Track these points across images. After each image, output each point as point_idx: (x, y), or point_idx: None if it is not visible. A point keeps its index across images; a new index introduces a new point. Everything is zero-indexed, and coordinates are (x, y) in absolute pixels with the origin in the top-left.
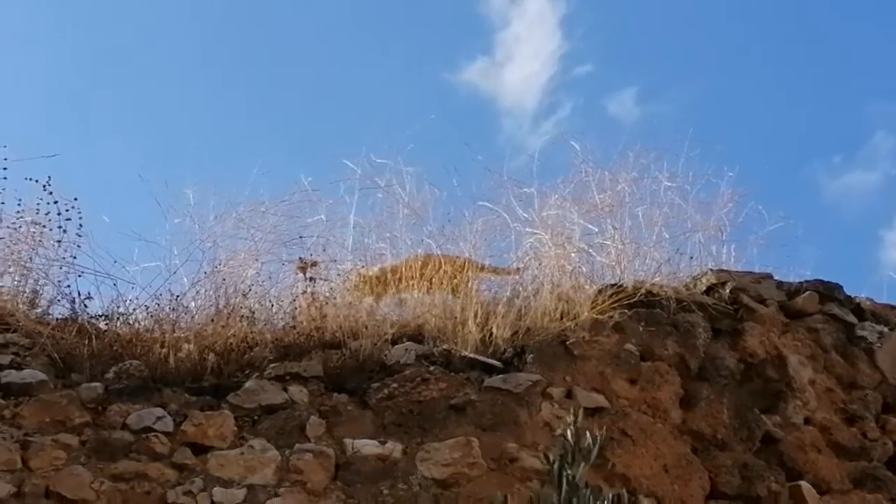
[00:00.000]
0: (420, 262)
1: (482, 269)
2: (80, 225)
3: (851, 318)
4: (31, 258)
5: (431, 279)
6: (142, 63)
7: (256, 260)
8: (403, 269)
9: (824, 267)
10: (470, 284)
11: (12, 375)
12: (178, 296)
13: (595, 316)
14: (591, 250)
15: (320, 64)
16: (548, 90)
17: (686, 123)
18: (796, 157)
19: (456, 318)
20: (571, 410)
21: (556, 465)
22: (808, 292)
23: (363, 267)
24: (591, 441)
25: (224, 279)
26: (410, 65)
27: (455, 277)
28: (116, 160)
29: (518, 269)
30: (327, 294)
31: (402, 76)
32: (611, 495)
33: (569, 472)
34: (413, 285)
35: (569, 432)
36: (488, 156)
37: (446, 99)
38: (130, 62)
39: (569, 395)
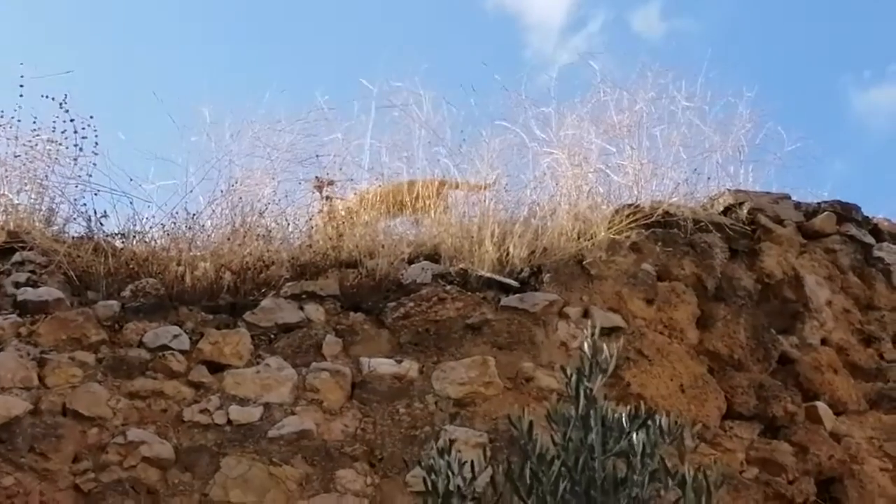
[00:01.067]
0: (405, 187)
1: (457, 186)
2: (96, 143)
3: (869, 239)
4: (46, 176)
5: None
6: None
7: (273, 178)
8: (390, 195)
9: (850, 183)
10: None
11: (28, 293)
12: (194, 214)
13: (612, 236)
14: (608, 170)
15: None
16: (575, 4)
17: (712, 40)
18: (826, 71)
19: (472, 237)
20: (588, 328)
21: (573, 379)
22: (825, 213)
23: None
24: (608, 355)
25: (240, 198)
26: None
27: (437, 196)
28: (132, 77)
29: (488, 184)
30: (343, 212)
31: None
32: (627, 408)
33: (587, 385)
34: (400, 210)
35: (586, 346)
36: (513, 72)
37: (472, 14)
38: None
39: (585, 314)
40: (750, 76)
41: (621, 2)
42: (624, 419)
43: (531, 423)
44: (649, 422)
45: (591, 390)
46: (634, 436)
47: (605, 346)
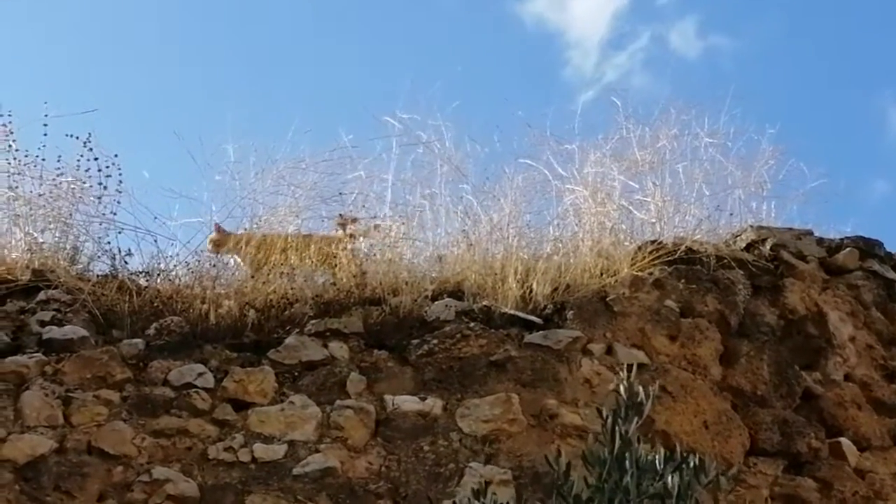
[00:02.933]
0: (301, 240)
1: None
2: (121, 181)
3: (892, 275)
4: (71, 214)
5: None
6: (181, 18)
7: (296, 216)
8: (284, 243)
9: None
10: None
11: (54, 332)
12: None
13: (635, 272)
14: (630, 207)
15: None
16: (618, 19)
17: (748, 58)
18: (866, 87)
19: (496, 274)
20: (623, 366)
21: (609, 420)
22: (848, 248)
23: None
24: (643, 396)
25: (264, 235)
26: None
27: (334, 256)
28: (157, 116)
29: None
30: (367, 250)
31: (464, 11)
32: (662, 451)
33: (621, 427)
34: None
35: (622, 388)
36: (551, 95)
37: (512, 33)
38: (171, 17)
39: (609, 351)
40: (774, 111)
41: (661, 16)
42: (658, 461)
43: (569, 464)
44: (684, 464)
45: (627, 432)
46: (670, 478)
47: (640, 388)
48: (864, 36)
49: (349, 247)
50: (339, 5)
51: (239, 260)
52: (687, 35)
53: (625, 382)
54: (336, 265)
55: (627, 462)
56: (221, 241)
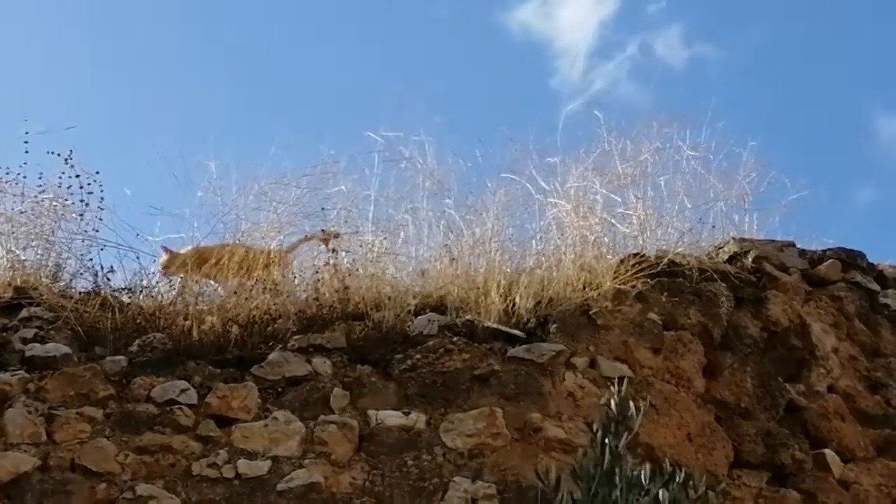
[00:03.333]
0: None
1: (291, 249)
2: (102, 198)
3: (874, 286)
4: (53, 232)
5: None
6: (162, 34)
7: (279, 232)
8: (219, 256)
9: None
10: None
11: (36, 349)
12: None
13: (618, 286)
14: (613, 220)
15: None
16: (605, 28)
17: (734, 66)
18: (854, 94)
19: (479, 288)
20: (607, 380)
21: (598, 435)
22: (830, 260)
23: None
24: (633, 411)
25: (247, 251)
26: (457, 9)
27: (268, 266)
28: (138, 132)
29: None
30: (349, 266)
31: (450, 21)
32: (648, 466)
33: (611, 442)
34: (225, 275)
35: (612, 402)
36: (539, 101)
37: (498, 42)
38: (151, 33)
39: (592, 364)
40: (757, 122)
41: (648, 25)
42: (645, 476)
43: (559, 478)
44: (672, 479)
45: (617, 446)
46: (659, 493)
47: (630, 403)
48: (851, 43)
49: (332, 262)
50: (322, 18)
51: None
52: (672, 44)
53: (615, 397)
54: (270, 277)
55: (617, 477)
56: (169, 262)
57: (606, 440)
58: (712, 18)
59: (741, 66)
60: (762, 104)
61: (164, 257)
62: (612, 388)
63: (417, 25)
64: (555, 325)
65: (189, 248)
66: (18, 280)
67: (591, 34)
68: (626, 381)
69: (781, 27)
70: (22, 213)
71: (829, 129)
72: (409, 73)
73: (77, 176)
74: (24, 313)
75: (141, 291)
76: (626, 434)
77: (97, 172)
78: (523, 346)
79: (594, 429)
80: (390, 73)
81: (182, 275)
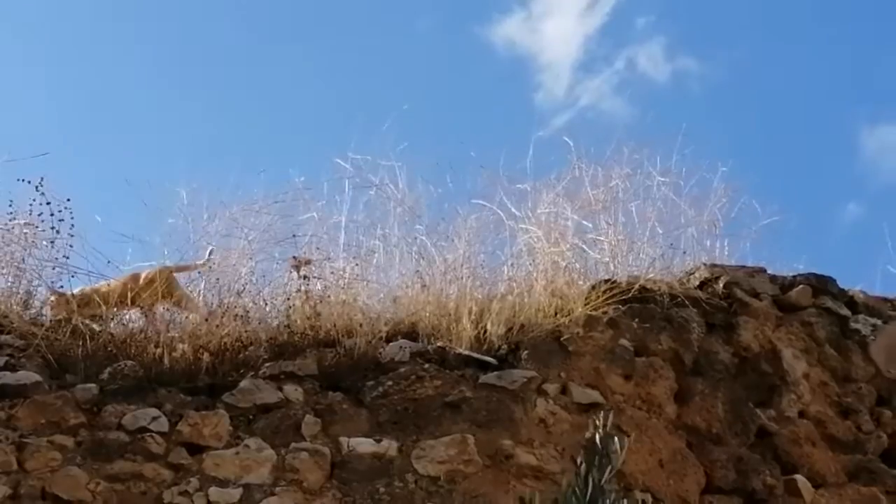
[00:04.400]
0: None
1: (173, 271)
2: (73, 225)
3: (845, 311)
4: (24, 259)
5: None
6: (133, 60)
7: (250, 259)
8: (113, 290)
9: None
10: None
11: (7, 377)
12: None
13: (589, 312)
14: (584, 246)
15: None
16: (590, 41)
17: (716, 80)
18: (838, 106)
19: (450, 314)
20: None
21: (582, 468)
22: (801, 286)
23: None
24: (618, 446)
25: (217, 279)
26: (439, 22)
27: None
28: (109, 159)
29: (204, 262)
30: (321, 292)
31: (431, 36)
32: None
33: (594, 475)
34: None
35: (597, 436)
36: (523, 120)
37: (481, 56)
38: (121, 60)
39: (564, 391)
40: (735, 142)
41: (632, 39)
42: None
43: None
44: None
45: (600, 481)
46: None
47: (615, 438)
48: (834, 59)
49: (303, 288)
50: (296, 38)
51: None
52: (655, 58)
53: (599, 430)
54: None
55: None
56: (57, 303)
57: (590, 475)
58: (697, 33)
59: (723, 81)
60: (744, 120)
61: (52, 300)
62: (596, 420)
63: (400, 42)
64: (526, 352)
65: (77, 289)
66: None
67: (576, 48)
68: (610, 413)
69: (764, 42)
70: None
71: (813, 145)
72: (388, 89)
73: (48, 203)
74: None
75: (112, 319)
76: (609, 468)
77: (68, 199)
78: (495, 373)
79: (578, 462)
80: (366, 90)
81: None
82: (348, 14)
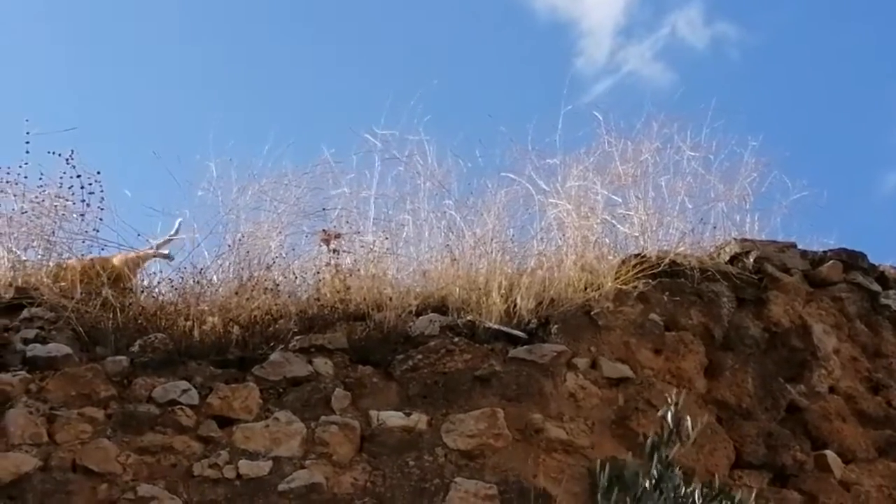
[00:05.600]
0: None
1: (141, 258)
2: (103, 198)
3: (875, 287)
4: (54, 232)
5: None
6: (162, 33)
7: (279, 232)
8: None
9: None
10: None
11: (37, 349)
12: (201, 269)
13: (619, 286)
14: (614, 221)
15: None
16: (633, 5)
17: (755, 48)
18: (875, 81)
19: (480, 289)
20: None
21: (649, 443)
22: (831, 261)
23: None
24: (690, 425)
25: (247, 252)
26: None
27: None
28: (139, 133)
29: (169, 238)
30: (351, 266)
31: (469, 1)
32: (698, 482)
33: (662, 452)
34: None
35: (669, 414)
36: (563, 85)
37: (524, 25)
38: (151, 34)
39: (593, 365)
40: (760, 121)
41: (672, 4)
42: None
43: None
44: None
45: (668, 457)
46: None
47: (687, 416)
48: (879, 22)
49: (333, 262)
50: (332, 10)
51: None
52: (695, 24)
53: (671, 409)
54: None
55: (663, 488)
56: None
57: (656, 453)
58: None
59: (763, 46)
60: (782, 87)
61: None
62: (669, 399)
63: (441, 10)
64: (556, 326)
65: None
66: (19, 280)
67: (617, 13)
68: (683, 394)
69: (806, 8)
70: (23, 213)
71: (855, 112)
72: (424, 59)
73: (78, 176)
74: (25, 313)
75: (142, 291)
76: (676, 445)
77: (98, 172)
78: (525, 347)
79: (649, 440)
80: (401, 61)
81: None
82: None
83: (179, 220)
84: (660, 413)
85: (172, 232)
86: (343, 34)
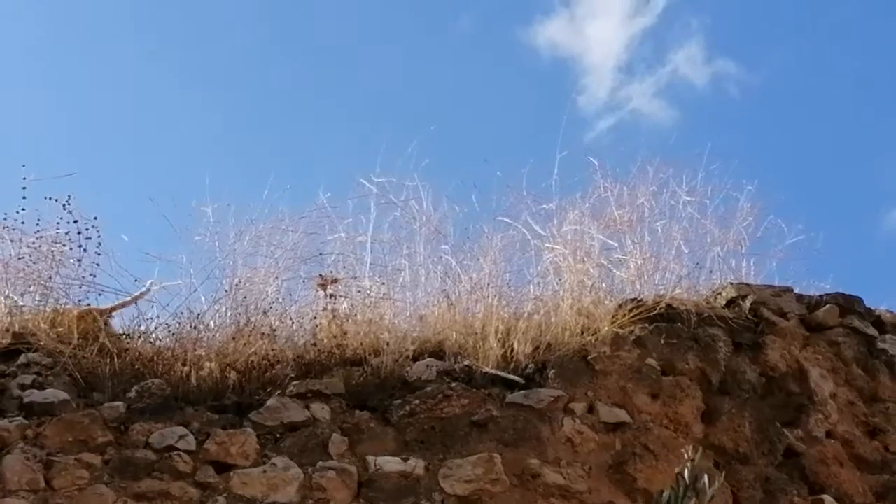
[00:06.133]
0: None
1: (105, 313)
2: (100, 244)
3: (872, 331)
4: (51, 277)
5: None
6: (157, 80)
7: (276, 277)
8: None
9: None
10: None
11: (35, 395)
12: (198, 314)
13: (616, 330)
14: (610, 265)
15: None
16: (634, 41)
17: (757, 87)
18: (878, 116)
19: (477, 333)
20: (689, 449)
21: (665, 498)
22: (828, 305)
23: None
24: (706, 482)
25: (244, 297)
26: (480, 25)
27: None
28: (136, 178)
29: (142, 294)
30: (348, 311)
31: (470, 39)
32: None
33: None
34: None
35: (686, 470)
36: (566, 124)
37: (523, 58)
38: (145, 80)
39: (591, 410)
40: (761, 159)
41: (679, 41)
42: None
43: None
44: None
45: None
46: None
47: (705, 474)
48: (881, 59)
49: (330, 307)
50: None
51: None
52: (696, 61)
53: (688, 465)
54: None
55: None
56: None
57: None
58: (740, 35)
59: (764, 84)
60: (783, 124)
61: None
62: (686, 454)
63: (438, 42)
64: (553, 371)
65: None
66: (16, 326)
67: (620, 49)
68: (700, 450)
69: (809, 46)
70: (20, 258)
71: (856, 150)
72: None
73: (75, 221)
74: (22, 359)
75: (139, 337)
76: (693, 500)
77: (95, 218)
78: (522, 392)
79: (665, 496)
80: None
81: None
82: (386, 22)
83: (151, 281)
84: (676, 470)
85: (144, 290)
86: (340, 79)
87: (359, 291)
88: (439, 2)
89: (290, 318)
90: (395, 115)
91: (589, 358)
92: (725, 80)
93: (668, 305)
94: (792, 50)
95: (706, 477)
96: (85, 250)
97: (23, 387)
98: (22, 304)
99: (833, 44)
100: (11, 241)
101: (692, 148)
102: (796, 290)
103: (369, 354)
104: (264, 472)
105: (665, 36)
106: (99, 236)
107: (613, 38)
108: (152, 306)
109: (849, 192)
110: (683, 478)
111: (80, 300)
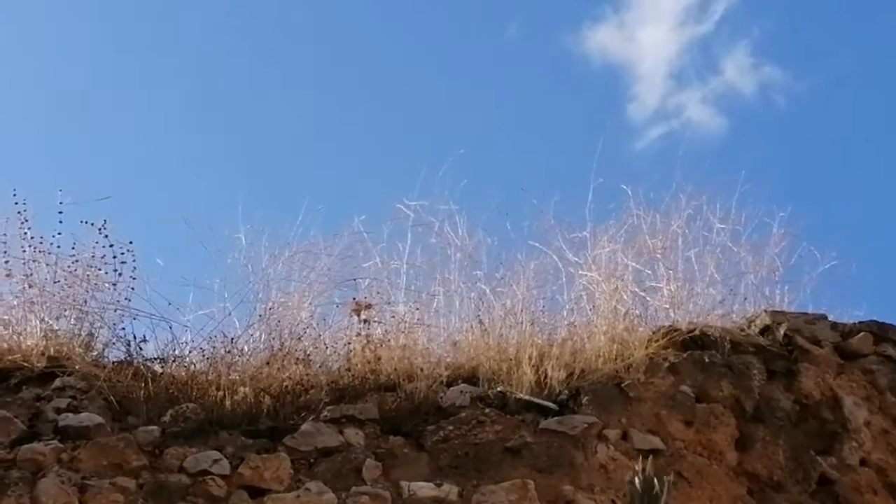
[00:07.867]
0: None
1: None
2: (135, 268)
3: None
4: (86, 301)
5: None
6: (191, 106)
7: (310, 302)
8: None
9: None
10: None
11: (70, 419)
12: (232, 338)
13: (650, 357)
14: (643, 293)
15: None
16: (685, 47)
17: (803, 96)
18: None
19: (510, 360)
20: (639, 457)
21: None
22: (862, 333)
23: None
24: (659, 488)
25: (278, 321)
26: (527, 34)
27: None
28: (171, 202)
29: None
30: (381, 336)
31: (518, 46)
32: None
33: None
34: None
35: (636, 479)
36: (612, 136)
37: (569, 69)
38: (180, 105)
39: (624, 436)
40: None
41: (725, 50)
42: None
43: None
44: None
45: None
46: None
47: (654, 479)
48: None
49: (364, 332)
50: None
51: None
52: (745, 69)
53: (639, 473)
54: None
55: None
56: None
57: None
58: (793, 44)
59: (813, 94)
60: (826, 137)
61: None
62: (638, 462)
63: (486, 49)
64: (587, 397)
65: None
66: (52, 349)
67: (672, 55)
68: (651, 456)
69: (861, 56)
70: (55, 282)
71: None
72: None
73: (111, 245)
74: (57, 383)
75: (173, 361)
76: None
77: (130, 242)
78: (555, 418)
79: None
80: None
81: None
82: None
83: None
84: (627, 479)
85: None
86: (376, 102)
87: (393, 317)
88: (486, 11)
89: (324, 343)
90: (432, 137)
91: (623, 384)
92: (772, 88)
93: (702, 332)
94: (843, 60)
95: (657, 483)
96: (120, 274)
97: (58, 410)
98: (57, 328)
99: (885, 55)
100: (47, 264)
101: (735, 158)
102: (830, 318)
103: (403, 380)
104: (298, 496)
105: (715, 43)
106: (134, 260)
107: (664, 44)
108: (186, 330)
109: (888, 211)
110: (635, 487)
111: (114, 324)
